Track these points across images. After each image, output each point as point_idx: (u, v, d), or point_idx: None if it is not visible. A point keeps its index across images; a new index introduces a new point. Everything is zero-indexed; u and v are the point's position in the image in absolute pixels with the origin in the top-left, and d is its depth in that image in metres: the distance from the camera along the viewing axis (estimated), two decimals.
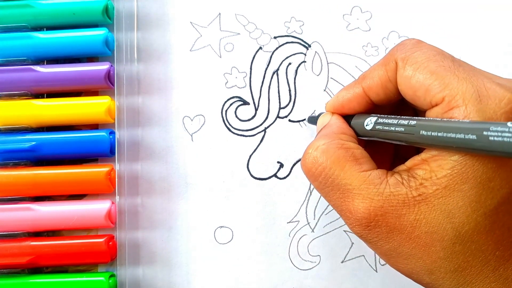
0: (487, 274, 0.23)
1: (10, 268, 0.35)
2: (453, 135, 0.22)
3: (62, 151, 0.35)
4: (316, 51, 0.37)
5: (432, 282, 0.24)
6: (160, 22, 0.37)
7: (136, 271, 0.36)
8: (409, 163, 0.25)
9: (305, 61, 0.37)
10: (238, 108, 0.37)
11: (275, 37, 0.37)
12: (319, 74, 0.37)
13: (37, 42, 0.35)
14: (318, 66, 0.37)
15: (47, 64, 0.36)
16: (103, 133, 0.35)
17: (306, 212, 0.36)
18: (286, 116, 0.37)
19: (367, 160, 0.26)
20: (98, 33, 0.35)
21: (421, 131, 0.23)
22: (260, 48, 0.37)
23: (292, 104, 0.37)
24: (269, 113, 0.37)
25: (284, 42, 0.37)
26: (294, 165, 0.37)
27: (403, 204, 0.24)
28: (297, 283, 0.36)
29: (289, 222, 0.36)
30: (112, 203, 0.36)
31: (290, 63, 0.37)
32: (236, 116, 0.37)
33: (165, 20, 0.37)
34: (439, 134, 0.22)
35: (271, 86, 0.37)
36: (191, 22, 0.37)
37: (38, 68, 0.35)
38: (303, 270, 0.36)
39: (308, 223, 0.36)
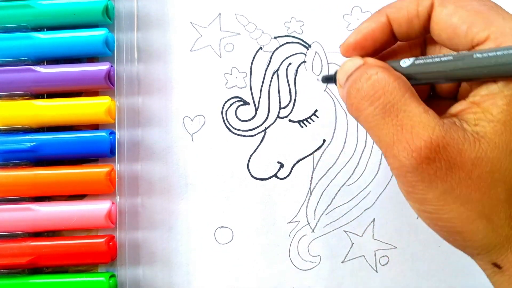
0: None
1: (10, 268, 0.35)
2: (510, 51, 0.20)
3: (62, 152, 0.35)
4: (316, 51, 0.37)
5: (487, 233, 0.22)
6: (160, 22, 0.37)
7: (136, 271, 0.36)
8: (453, 110, 0.23)
9: (305, 61, 0.37)
10: (238, 108, 0.37)
11: (275, 37, 0.37)
12: (319, 74, 0.37)
13: (37, 42, 0.35)
14: (318, 66, 0.37)
15: (47, 64, 0.36)
16: (103, 133, 0.35)
17: (306, 212, 0.36)
18: (286, 116, 0.37)
19: (420, 100, 0.24)
20: (98, 33, 0.35)
21: (474, 54, 0.22)
22: (260, 48, 0.37)
23: (292, 104, 0.37)
24: (269, 113, 0.37)
25: (284, 42, 0.37)
26: (294, 165, 0.37)
27: (464, 139, 0.22)
28: (297, 283, 0.36)
29: (289, 222, 0.36)
30: (112, 203, 0.36)
31: (290, 63, 0.37)
32: (236, 116, 0.37)
33: (165, 20, 0.37)
34: (498, 53, 0.21)
35: (271, 86, 0.37)
36: (191, 22, 0.37)
37: (38, 68, 0.35)
38: (303, 270, 0.36)
39: (308, 223, 0.36)
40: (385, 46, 0.27)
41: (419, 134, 0.22)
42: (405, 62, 0.25)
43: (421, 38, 0.26)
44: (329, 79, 0.29)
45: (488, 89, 0.22)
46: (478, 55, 0.22)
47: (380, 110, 0.23)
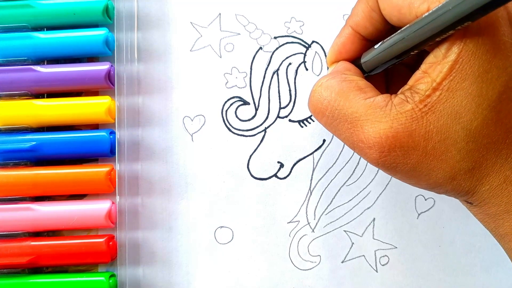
0: (502, 164, 0.24)
1: (10, 268, 0.35)
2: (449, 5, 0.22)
3: (62, 151, 0.35)
4: (316, 51, 0.37)
5: (455, 188, 0.25)
6: (160, 22, 0.37)
7: (136, 271, 0.36)
8: (411, 81, 0.25)
9: (305, 61, 0.37)
10: (238, 108, 0.37)
11: (275, 37, 0.37)
12: (319, 74, 0.37)
13: (37, 42, 0.35)
14: (318, 66, 0.37)
15: (47, 64, 0.36)
16: (103, 133, 0.35)
17: (306, 212, 0.36)
18: (286, 116, 0.37)
19: (371, 89, 0.26)
20: (99, 33, 0.35)
21: (424, 14, 0.23)
22: (260, 48, 0.37)
23: (292, 104, 0.37)
24: (269, 113, 0.37)
25: (284, 42, 0.37)
26: (294, 165, 0.37)
27: (411, 119, 0.24)
28: (297, 283, 0.36)
29: (289, 222, 0.36)
30: (112, 203, 0.36)
31: (290, 63, 0.37)
32: (236, 116, 0.37)
33: (165, 20, 0.37)
34: (427, 14, 0.23)
35: (271, 86, 0.37)
36: (191, 22, 0.37)
37: (38, 68, 0.35)
38: (303, 270, 0.36)
39: (308, 223, 0.36)
40: (362, 50, 0.29)
41: (369, 133, 0.24)
42: (378, 44, 0.27)
43: (389, 28, 0.28)
44: None
45: (436, 56, 0.24)
46: (417, 20, 0.24)
47: (331, 119, 0.26)
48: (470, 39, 0.23)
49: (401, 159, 0.24)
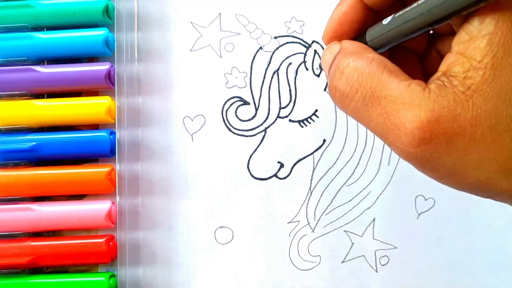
0: None
1: (10, 268, 0.35)
2: None
3: (62, 151, 0.35)
4: (316, 51, 0.37)
5: (510, 185, 0.21)
6: (160, 22, 0.37)
7: (136, 271, 0.36)
8: (443, 66, 0.22)
9: (306, 61, 0.37)
10: (239, 108, 0.37)
11: (275, 37, 0.37)
12: (320, 74, 0.37)
13: (37, 42, 0.35)
14: (318, 66, 0.37)
15: (47, 64, 0.36)
16: (104, 133, 0.35)
17: (306, 212, 0.36)
18: (286, 116, 0.37)
19: (401, 73, 0.23)
20: (99, 33, 0.35)
21: None
22: (261, 48, 0.37)
23: (292, 104, 0.37)
24: (270, 113, 0.37)
25: (285, 42, 0.37)
26: (294, 165, 0.37)
27: (455, 103, 0.21)
28: (297, 283, 0.36)
29: (289, 222, 0.36)
30: (113, 203, 0.35)
31: (290, 63, 0.37)
32: (237, 116, 0.37)
33: (166, 20, 0.37)
34: None
35: (271, 86, 0.37)
36: (191, 22, 0.37)
37: (38, 68, 0.35)
38: (303, 270, 0.36)
39: (309, 223, 0.36)
40: (365, 24, 0.26)
41: (407, 117, 0.21)
42: (386, 20, 0.24)
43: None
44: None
45: (468, 33, 0.21)
46: None
47: (362, 103, 0.23)
48: (506, 6, 0.20)
49: (445, 149, 0.21)
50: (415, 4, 0.22)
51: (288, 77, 0.37)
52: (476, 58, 0.20)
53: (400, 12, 0.23)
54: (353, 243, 0.36)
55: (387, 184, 0.36)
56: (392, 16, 0.24)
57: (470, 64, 0.21)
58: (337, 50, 0.25)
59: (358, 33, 0.26)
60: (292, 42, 0.37)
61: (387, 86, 0.22)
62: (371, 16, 0.26)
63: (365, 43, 0.26)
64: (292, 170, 0.37)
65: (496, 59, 0.20)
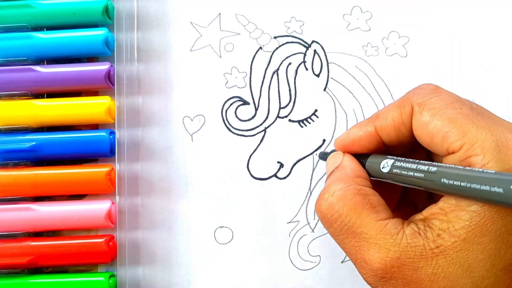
0: None
1: (10, 268, 0.35)
2: (477, 186, 0.21)
3: (62, 151, 0.35)
4: (316, 51, 0.37)
5: None
6: (160, 22, 0.37)
7: (136, 271, 0.36)
8: (425, 212, 0.24)
9: (305, 61, 0.37)
10: (238, 108, 0.37)
11: (275, 37, 0.37)
12: (319, 74, 0.37)
13: (37, 42, 0.35)
14: (318, 66, 0.37)
15: (47, 64, 0.36)
16: (103, 133, 0.35)
17: (306, 212, 0.36)
18: (286, 116, 0.37)
19: (383, 208, 0.25)
20: (98, 33, 0.35)
21: (442, 179, 0.23)
22: (260, 48, 0.37)
23: (292, 104, 0.37)
24: (269, 113, 0.37)
25: (284, 42, 0.37)
26: (294, 165, 0.36)
27: (420, 256, 0.23)
28: (297, 283, 0.36)
29: (289, 222, 0.36)
30: (112, 203, 0.36)
31: (290, 63, 0.37)
32: (236, 116, 0.37)
33: (165, 20, 0.37)
34: (462, 183, 0.22)
35: (271, 86, 0.37)
36: (191, 22, 0.37)
37: (38, 68, 0.35)
38: (303, 270, 0.36)
39: (308, 223, 0.36)
40: (374, 148, 0.28)
41: (375, 257, 0.24)
42: (384, 168, 0.26)
43: (412, 143, 0.27)
44: (325, 156, 0.32)
45: (457, 200, 0.23)
46: (445, 181, 0.23)
47: (339, 231, 0.26)
48: None
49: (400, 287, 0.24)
50: (413, 166, 0.25)
51: (288, 77, 0.37)
52: (455, 226, 0.22)
53: (399, 164, 0.26)
54: None
55: None
56: (391, 165, 0.26)
57: (447, 226, 0.23)
58: (339, 162, 0.29)
59: (364, 152, 0.29)
60: (292, 42, 0.37)
61: (365, 223, 0.25)
62: (382, 147, 0.28)
63: (364, 165, 0.28)
64: (292, 170, 0.37)
65: (470, 235, 0.22)
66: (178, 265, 0.36)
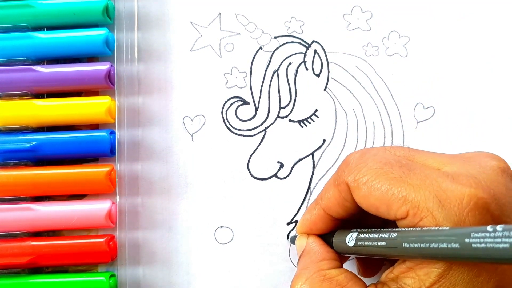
0: None
1: (10, 268, 0.35)
2: (435, 245, 0.21)
3: (62, 151, 0.35)
4: (316, 51, 0.37)
5: None
6: (160, 22, 0.37)
7: (136, 271, 0.36)
8: (396, 270, 0.25)
9: (306, 61, 0.37)
10: (238, 108, 0.37)
11: (275, 37, 0.37)
12: (319, 74, 0.37)
13: (37, 42, 0.35)
14: (318, 66, 0.37)
15: (47, 64, 0.36)
16: (104, 133, 0.35)
17: None
18: (286, 116, 0.37)
19: (353, 283, 0.26)
20: (98, 33, 0.35)
21: (403, 244, 0.23)
22: (261, 48, 0.37)
23: (292, 104, 0.37)
24: (270, 113, 0.37)
25: (285, 42, 0.37)
26: (294, 165, 0.36)
27: None
28: None
29: (289, 223, 0.36)
30: (113, 203, 0.36)
31: (290, 63, 0.37)
32: (237, 116, 0.37)
33: (165, 20, 0.37)
34: (422, 245, 0.22)
35: (271, 86, 0.37)
36: (191, 22, 0.37)
37: (38, 68, 0.35)
38: None
39: None
40: (334, 225, 0.29)
41: None
42: (350, 242, 0.27)
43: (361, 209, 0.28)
44: (294, 240, 0.33)
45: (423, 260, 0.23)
46: (406, 245, 0.23)
47: None
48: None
49: None
50: (375, 236, 0.25)
51: (288, 77, 0.37)
52: (425, 283, 0.23)
53: (362, 236, 0.26)
54: None
55: None
56: (355, 238, 0.27)
57: (419, 285, 0.23)
58: (304, 245, 0.30)
59: (327, 230, 0.30)
60: (292, 42, 0.37)
61: None
62: (338, 223, 0.29)
63: (331, 244, 0.29)
64: (292, 170, 0.37)
65: None
66: (178, 265, 0.36)
